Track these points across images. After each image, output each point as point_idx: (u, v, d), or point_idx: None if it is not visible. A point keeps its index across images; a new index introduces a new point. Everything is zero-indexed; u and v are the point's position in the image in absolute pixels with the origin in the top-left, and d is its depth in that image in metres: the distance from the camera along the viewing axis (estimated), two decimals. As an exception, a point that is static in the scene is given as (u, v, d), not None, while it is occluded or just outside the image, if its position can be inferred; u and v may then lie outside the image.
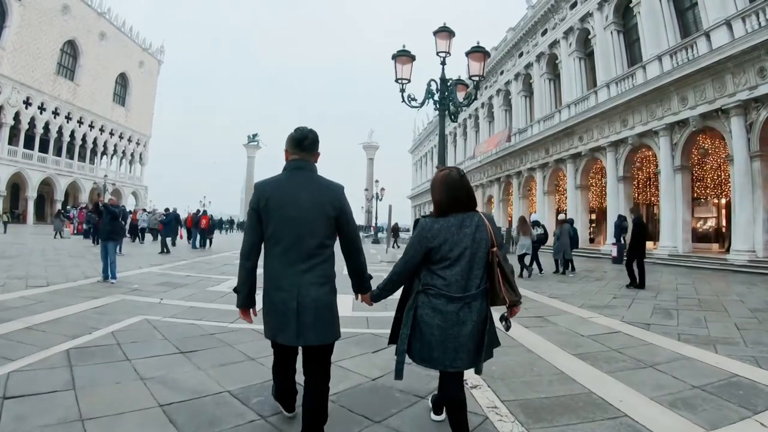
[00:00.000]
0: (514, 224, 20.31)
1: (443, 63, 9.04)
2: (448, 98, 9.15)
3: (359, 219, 60.58)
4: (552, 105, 26.50)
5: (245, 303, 2.39)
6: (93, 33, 45.97)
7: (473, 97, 9.29)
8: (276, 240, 2.28)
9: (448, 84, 9.15)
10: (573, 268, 12.68)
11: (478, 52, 8.59)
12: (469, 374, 3.52)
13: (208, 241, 20.16)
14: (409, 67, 8.95)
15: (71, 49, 44.17)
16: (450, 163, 35.72)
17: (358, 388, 3.27)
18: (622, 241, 13.74)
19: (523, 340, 4.70)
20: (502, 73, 32.57)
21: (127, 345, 4.10)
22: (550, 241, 13.42)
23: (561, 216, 15.80)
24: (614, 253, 15.84)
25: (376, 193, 36.49)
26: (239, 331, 4.74)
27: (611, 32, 20.80)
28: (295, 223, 2.26)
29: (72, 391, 3.01)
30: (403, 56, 8.88)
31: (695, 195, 17.94)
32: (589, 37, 22.42)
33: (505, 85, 32.25)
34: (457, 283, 2.21)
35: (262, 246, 2.36)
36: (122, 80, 52.81)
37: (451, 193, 2.28)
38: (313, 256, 2.29)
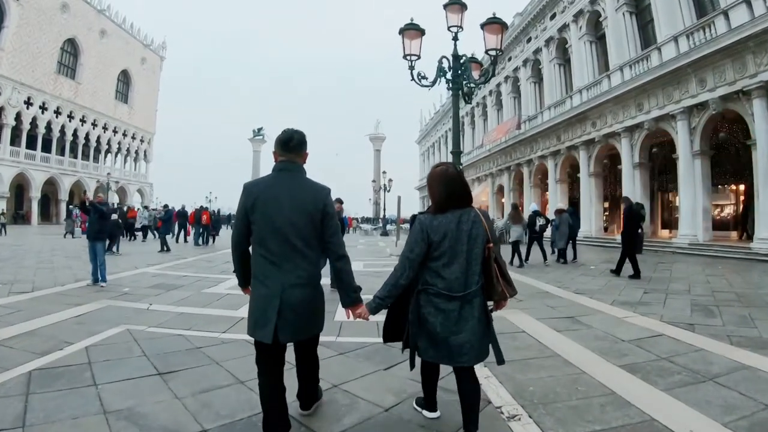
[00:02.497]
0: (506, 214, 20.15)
1: (455, 38, 8.22)
2: (461, 76, 8.35)
3: (368, 211, 60.49)
4: (563, 90, 25.67)
5: (244, 283, 2.52)
6: (93, 31, 45.55)
7: (490, 74, 8.45)
8: (262, 239, 2.29)
9: (461, 61, 8.30)
10: (565, 260, 12.31)
11: (494, 23, 7.77)
12: (504, 400, 2.95)
13: (211, 238, 19.64)
14: (418, 42, 8.16)
15: (72, 48, 43.77)
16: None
17: (368, 423, 2.66)
18: (641, 231, 13.20)
19: (559, 349, 4.09)
20: (510, 59, 31.66)
21: (99, 364, 3.54)
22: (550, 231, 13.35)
23: (559, 205, 15.67)
24: (632, 243, 15.19)
25: (384, 185, 35.91)
26: (230, 343, 4.18)
27: (623, 14, 19.97)
28: (278, 223, 2.26)
29: (21, 429, 2.50)
30: (411, 30, 8.08)
31: (713, 181, 17.17)
32: (600, 19, 21.58)
33: (514, 72, 31.40)
34: (458, 281, 2.22)
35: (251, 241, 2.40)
36: (124, 77, 52.43)
37: (450, 189, 2.28)
38: (297, 257, 2.28)
